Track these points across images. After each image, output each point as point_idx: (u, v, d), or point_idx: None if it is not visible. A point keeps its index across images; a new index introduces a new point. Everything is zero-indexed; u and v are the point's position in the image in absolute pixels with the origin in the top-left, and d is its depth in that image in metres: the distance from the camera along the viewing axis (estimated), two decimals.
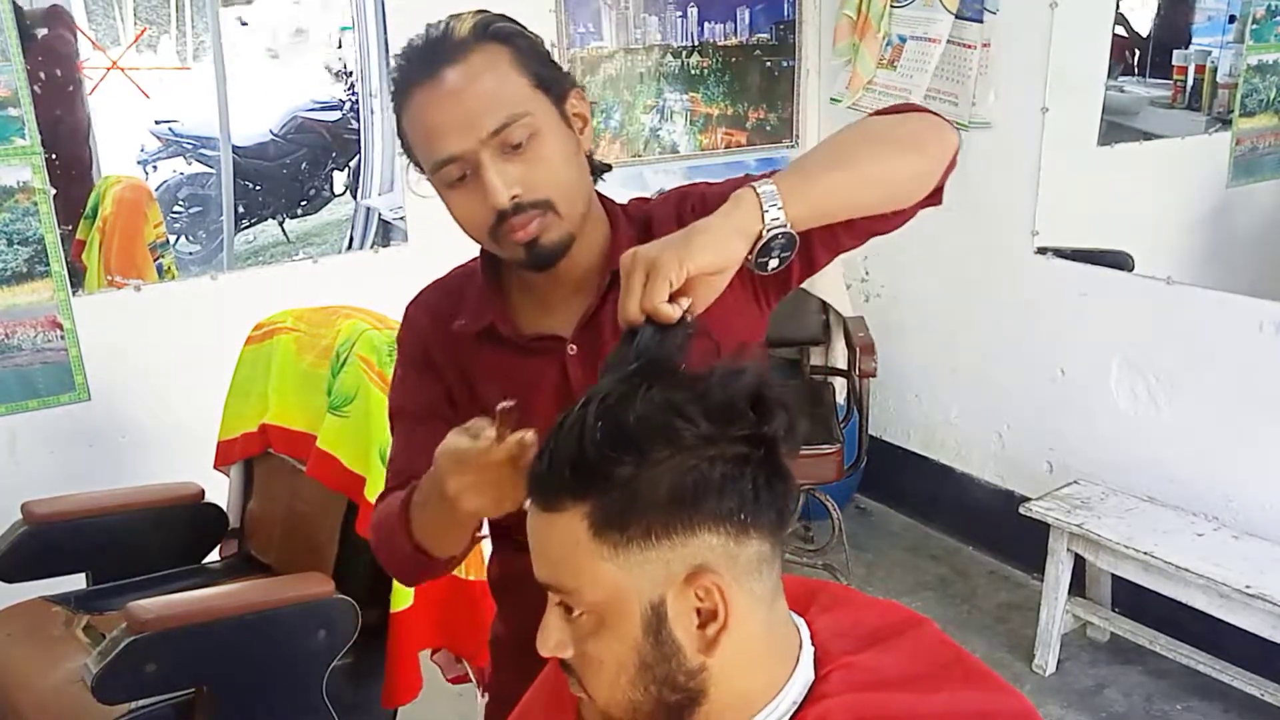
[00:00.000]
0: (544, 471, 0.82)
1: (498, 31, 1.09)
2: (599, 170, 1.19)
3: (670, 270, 0.90)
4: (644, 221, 1.18)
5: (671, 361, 0.87)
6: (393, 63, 1.11)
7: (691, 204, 1.16)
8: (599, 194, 1.19)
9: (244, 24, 2.75)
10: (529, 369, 1.15)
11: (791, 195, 0.97)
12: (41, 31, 2.46)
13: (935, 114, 1.11)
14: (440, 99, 1.06)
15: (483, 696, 2.09)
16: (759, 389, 0.82)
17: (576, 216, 1.11)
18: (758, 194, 0.96)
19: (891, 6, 3.09)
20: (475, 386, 1.19)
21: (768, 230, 0.96)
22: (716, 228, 0.95)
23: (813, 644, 0.89)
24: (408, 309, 1.27)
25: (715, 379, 0.82)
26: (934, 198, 1.12)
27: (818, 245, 1.12)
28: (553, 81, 1.10)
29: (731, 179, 1.16)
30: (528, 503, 0.86)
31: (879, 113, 1.12)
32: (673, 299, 0.90)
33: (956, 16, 2.97)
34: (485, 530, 1.19)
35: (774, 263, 0.98)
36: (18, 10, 2.37)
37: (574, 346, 1.15)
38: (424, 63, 1.08)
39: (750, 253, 0.96)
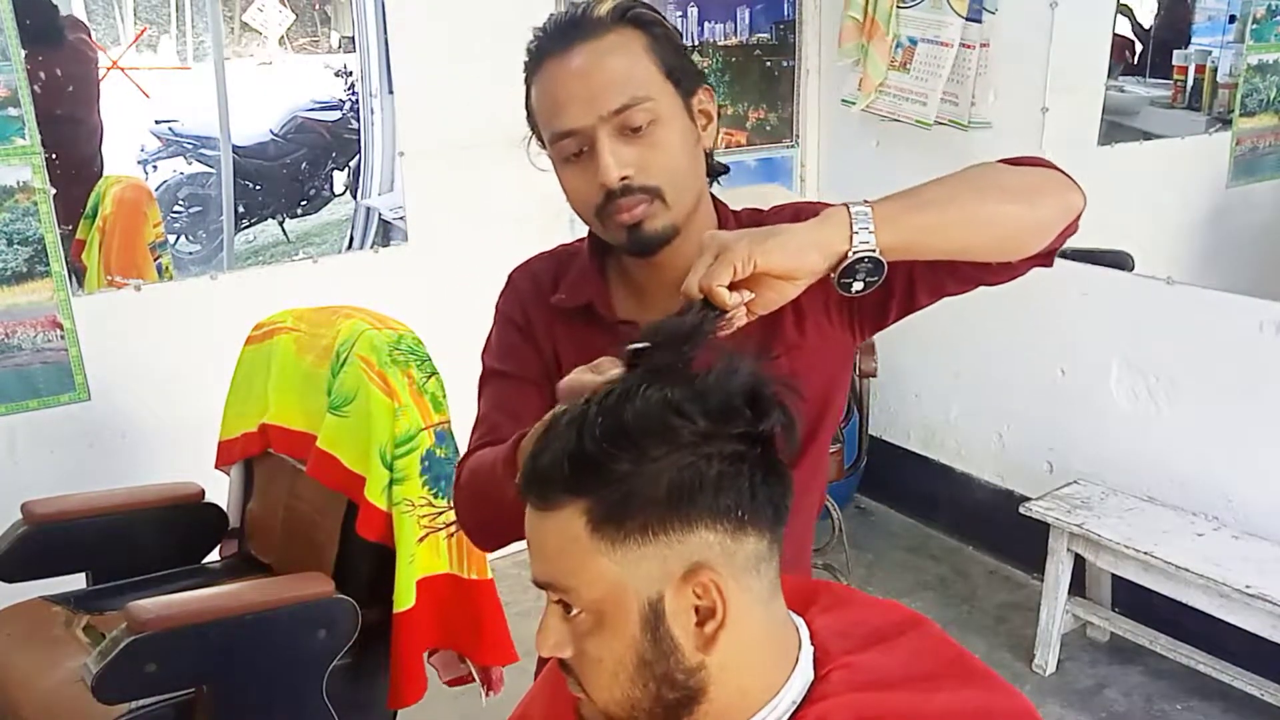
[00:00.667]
0: (541, 469, 0.82)
1: (637, 16, 1.10)
2: (716, 171, 1.19)
3: (738, 257, 0.90)
4: (756, 226, 1.17)
5: (691, 342, 0.86)
6: (530, 35, 1.12)
7: (805, 218, 1.16)
8: (714, 197, 1.20)
9: (245, 24, 2.75)
10: (616, 354, 1.16)
11: (886, 222, 0.95)
12: (71, 36, 2.48)
13: (1064, 173, 1.09)
14: (569, 73, 1.07)
15: (486, 695, 2.09)
16: (756, 387, 0.82)
17: (684, 209, 1.12)
18: (850, 213, 0.95)
19: (898, 7, 3.09)
20: (563, 362, 1.20)
21: (854, 252, 0.94)
22: (798, 234, 0.94)
23: (812, 644, 0.89)
24: (512, 275, 1.29)
25: (713, 377, 0.82)
26: (1045, 259, 1.09)
27: (920, 284, 1.12)
28: (684, 74, 1.11)
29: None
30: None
31: (1007, 160, 1.10)
32: (736, 289, 0.90)
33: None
34: None
35: (858, 285, 0.96)
36: (49, 10, 2.38)
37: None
38: (560, 36, 1.09)
39: (833, 271, 0.95)
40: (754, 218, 1.21)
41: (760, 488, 0.81)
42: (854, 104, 3.26)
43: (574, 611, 0.82)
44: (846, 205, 0.96)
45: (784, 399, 0.83)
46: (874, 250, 0.94)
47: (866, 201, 0.97)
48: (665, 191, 1.09)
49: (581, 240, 1.25)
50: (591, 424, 0.80)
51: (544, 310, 1.22)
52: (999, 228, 1.04)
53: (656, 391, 0.80)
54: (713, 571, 0.80)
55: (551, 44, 1.09)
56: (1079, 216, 1.08)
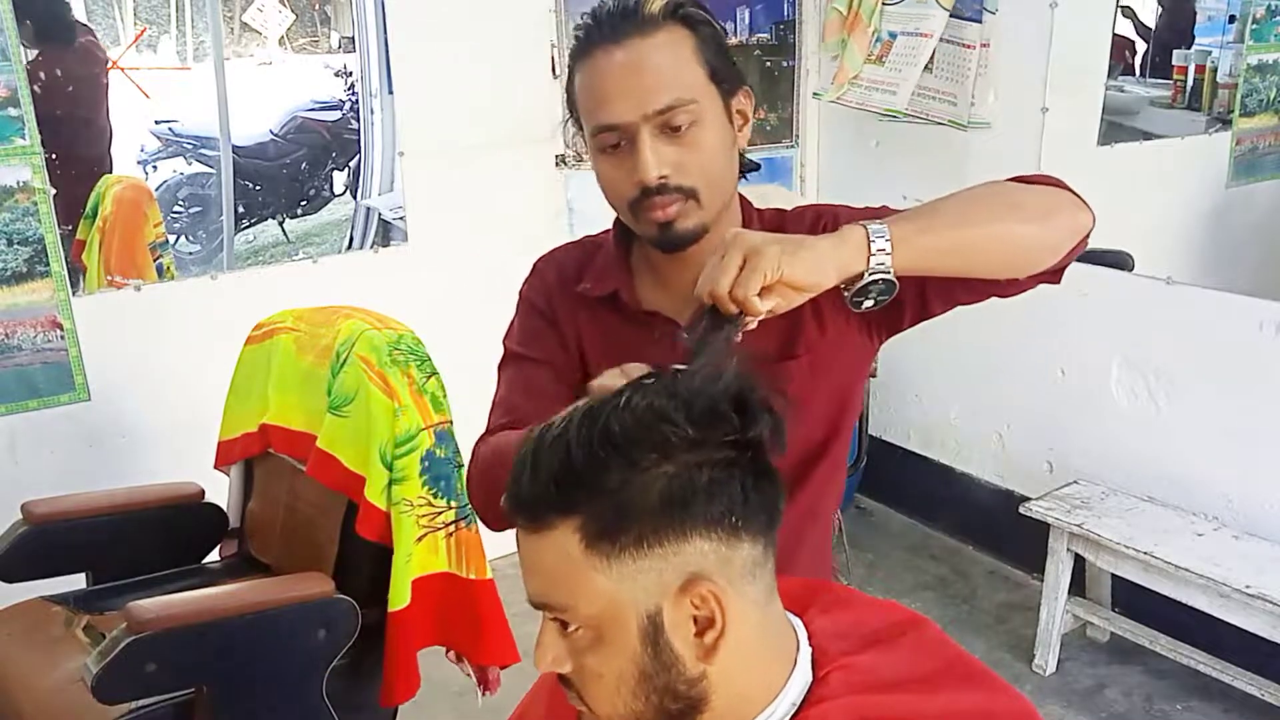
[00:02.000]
0: (527, 490, 0.81)
1: (688, 15, 1.11)
2: (747, 168, 1.21)
3: (769, 267, 0.92)
4: (777, 228, 1.19)
5: (723, 356, 0.88)
6: (579, 18, 1.14)
7: (825, 223, 1.17)
8: (740, 195, 1.22)
9: (245, 24, 2.75)
10: (639, 342, 1.17)
11: (902, 243, 0.98)
12: (82, 38, 2.49)
13: (1075, 192, 1.10)
14: (617, 67, 1.08)
15: (482, 695, 2.09)
16: (741, 392, 0.81)
17: (715, 209, 1.13)
18: (868, 234, 0.97)
19: (883, 4, 3.09)
20: (585, 349, 1.22)
21: (870, 274, 0.97)
22: (821, 251, 0.96)
23: (810, 645, 0.89)
24: (537, 263, 1.31)
25: (697, 383, 0.81)
26: (1054, 276, 1.12)
27: (933, 295, 1.13)
28: (726, 76, 1.12)
29: (870, 207, 1.18)
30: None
31: (1019, 178, 1.11)
32: (761, 294, 0.93)
33: (955, 16, 2.96)
34: None
35: (869, 303, 1.00)
36: (61, 9, 2.39)
37: (686, 335, 1.17)
38: (611, 28, 1.09)
39: (847, 289, 0.99)
40: (776, 220, 1.22)
41: (752, 493, 0.81)
42: (821, 96, 3.25)
43: (571, 628, 0.82)
44: (865, 224, 0.98)
45: (770, 403, 0.82)
46: (888, 273, 0.97)
47: (883, 219, 0.99)
48: (700, 192, 1.10)
49: (606, 232, 1.26)
50: (577, 437, 0.79)
51: (569, 298, 1.24)
52: (1011, 248, 1.07)
53: (641, 400, 0.80)
54: (710, 582, 0.79)
55: (602, 34, 1.10)
56: (1088, 236, 1.10)
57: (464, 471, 2.01)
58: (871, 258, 0.97)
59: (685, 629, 0.80)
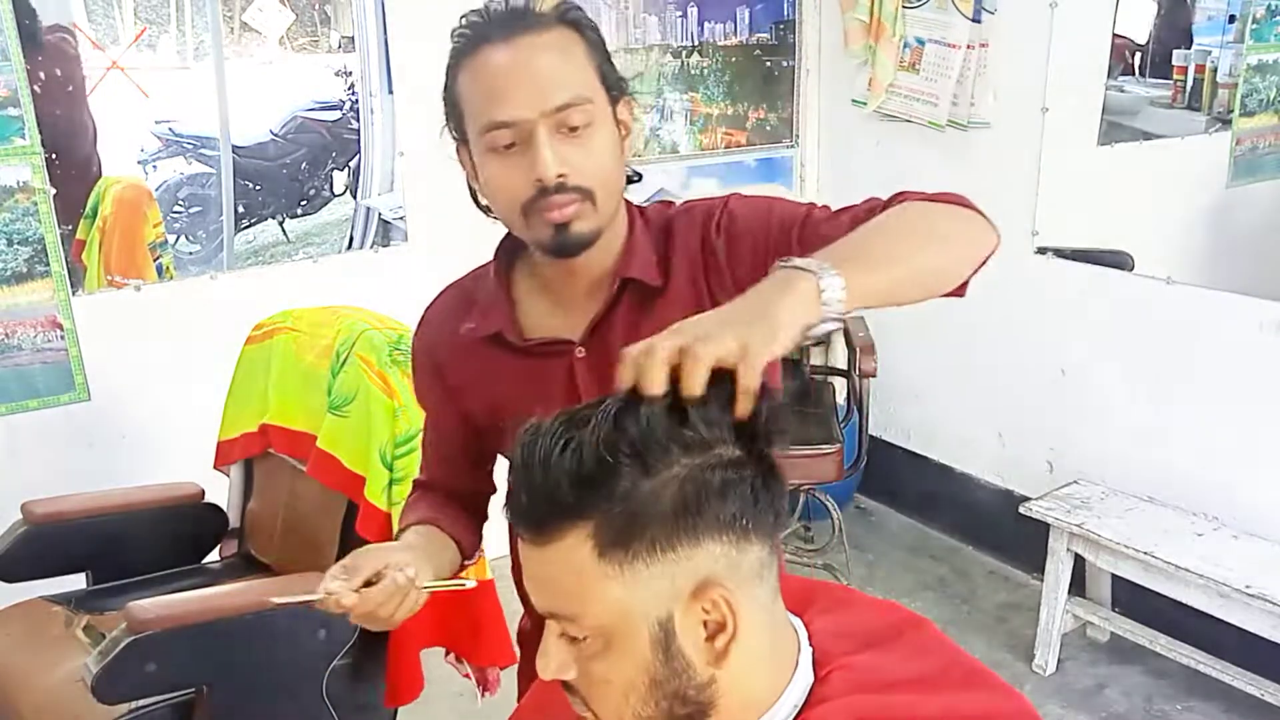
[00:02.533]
0: (537, 500, 0.79)
1: (577, 19, 1.11)
2: (629, 179, 1.19)
3: (724, 350, 0.80)
4: (664, 229, 1.18)
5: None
6: (461, 21, 1.11)
7: (718, 220, 1.15)
8: (624, 199, 1.20)
9: (245, 24, 2.75)
10: (537, 371, 1.17)
11: (853, 291, 0.88)
12: (48, 36, 2.47)
13: (980, 211, 1.07)
14: (513, 63, 1.06)
15: (482, 695, 2.09)
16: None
17: (608, 214, 1.12)
18: (819, 288, 0.87)
19: (904, 8, 3.09)
20: (490, 386, 1.21)
21: (821, 323, 0.88)
22: (782, 320, 0.83)
23: (811, 645, 0.89)
24: (425, 314, 1.29)
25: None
26: (959, 290, 1.08)
27: None
28: (613, 81, 1.12)
29: (763, 197, 1.16)
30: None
31: (928, 196, 1.08)
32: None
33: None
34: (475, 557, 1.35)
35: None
36: (28, 11, 2.38)
37: (582, 350, 1.16)
38: (502, 25, 1.08)
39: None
40: (662, 213, 1.20)
41: (762, 493, 0.81)
42: (865, 105, 3.26)
43: (578, 635, 0.81)
44: (814, 274, 0.87)
45: (774, 400, 0.82)
46: (838, 324, 0.90)
47: (822, 260, 0.89)
48: (596, 195, 1.09)
49: (487, 265, 1.24)
50: (592, 440, 0.77)
51: (455, 343, 1.22)
52: (935, 279, 1.03)
53: (649, 404, 0.78)
54: (721, 587, 0.79)
55: (493, 33, 1.07)
56: (991, 253, 1.06)
57: None
58: (824, 309, 0.87)
59: (696, 634, 0.80)
